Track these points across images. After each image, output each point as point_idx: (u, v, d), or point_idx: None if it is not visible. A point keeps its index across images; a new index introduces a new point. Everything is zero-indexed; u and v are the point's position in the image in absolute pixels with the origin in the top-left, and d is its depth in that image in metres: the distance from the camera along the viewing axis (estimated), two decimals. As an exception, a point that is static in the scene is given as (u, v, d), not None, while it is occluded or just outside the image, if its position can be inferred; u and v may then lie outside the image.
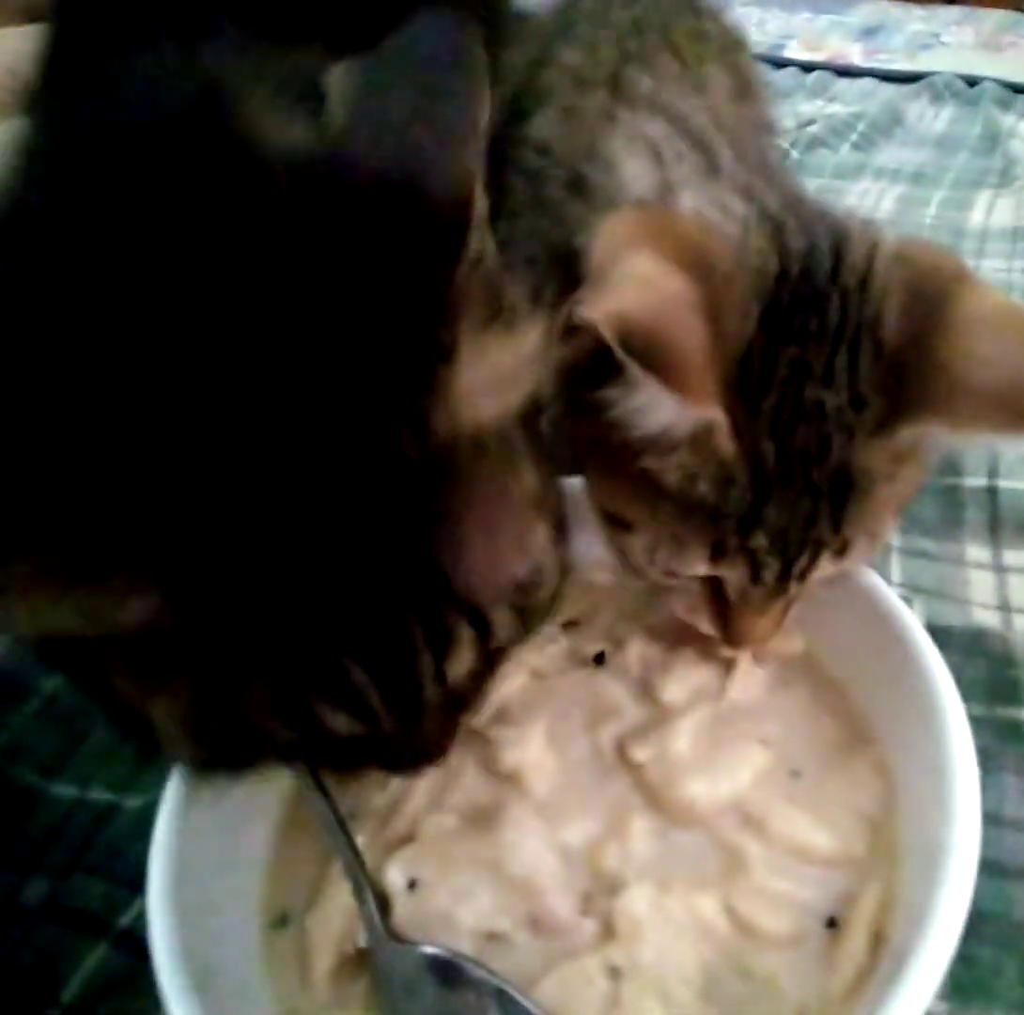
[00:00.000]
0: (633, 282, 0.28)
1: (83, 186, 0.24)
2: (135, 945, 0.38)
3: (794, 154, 0.98)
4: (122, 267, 0.23)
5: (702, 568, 0.33)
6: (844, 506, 0.32)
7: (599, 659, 0.39)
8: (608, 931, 0.30)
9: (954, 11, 1.48)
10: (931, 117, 1.10)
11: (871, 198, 0.90)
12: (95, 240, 0.24)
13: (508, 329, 0.26)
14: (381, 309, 0.24)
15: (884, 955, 0.29)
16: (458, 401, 0.24)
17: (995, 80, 1.14)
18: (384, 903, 0.31)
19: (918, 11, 1.46)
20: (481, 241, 0.25)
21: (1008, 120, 1.06)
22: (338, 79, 0.25)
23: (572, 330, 0.28)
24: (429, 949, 0.30)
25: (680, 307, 0.28)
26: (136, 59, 0.27)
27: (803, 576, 0.33)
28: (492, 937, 0.31)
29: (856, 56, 1.28)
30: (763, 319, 0.30)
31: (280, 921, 0.33)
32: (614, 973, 0.29)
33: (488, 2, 0.41)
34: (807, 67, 1.21)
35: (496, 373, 0.25)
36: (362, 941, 0.31)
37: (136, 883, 0.39)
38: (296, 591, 0.24)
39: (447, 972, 0.29)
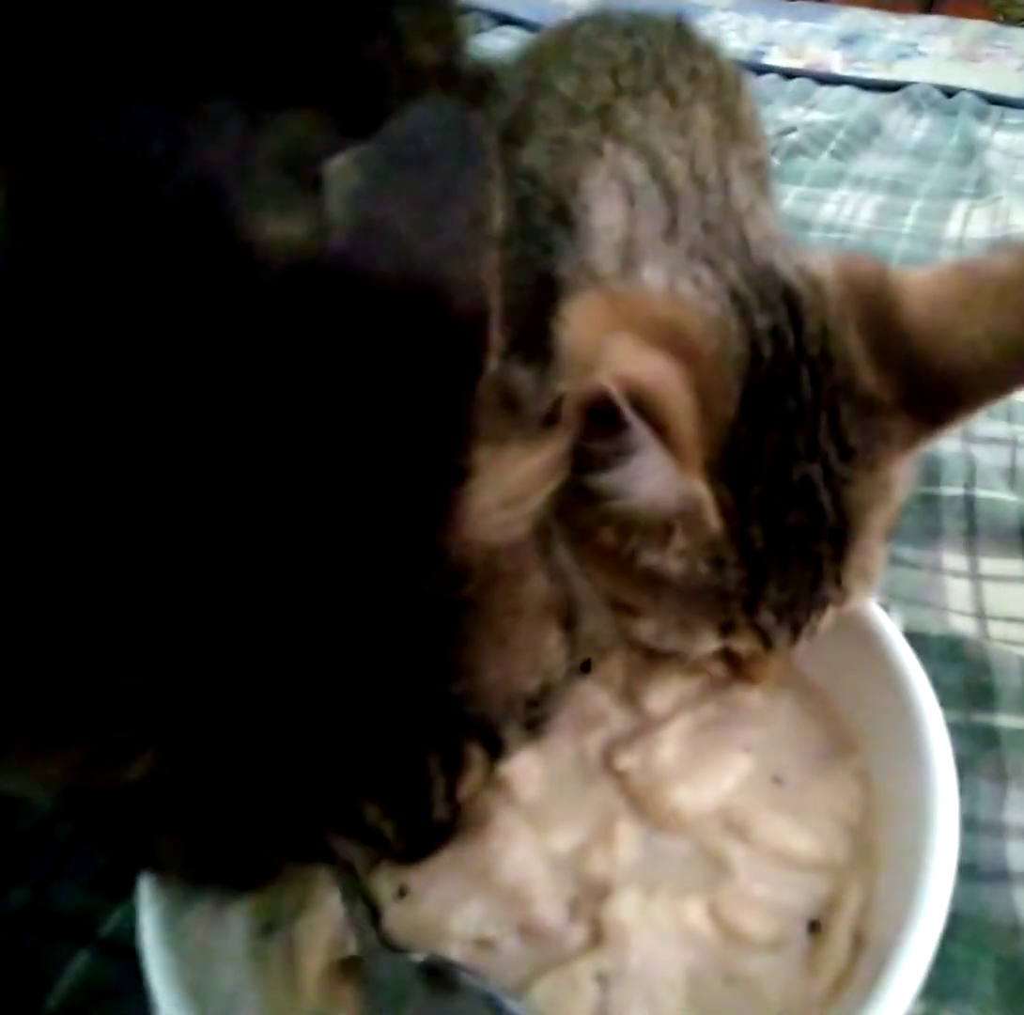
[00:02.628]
0: (626, 359, 0.27)
1: (59, 296, 0.22)
2: (119, 952, 0.38)
3: (775, 161, 0.99)
4: (109, 381, 0.21)
5: (713, 645, 0.34)
6: (843, 558, 0.32)
7: (585, 667, 0.39)
8: (596, 937, 0.31)
9: (932, 21, 1.50)
10: (909, 127, 1.11)
11: (849, 207, 0.92)
12: (79, 361, 0.21)
13: (522, 441, 0.25)
14: (393, 435, 0.22)
15: (865, 957, 0.30)
16: (473, 523, 0.23)
17: (972, 91, 1.15)
18: (374, 911, 0.32)
19: (896, 20, 1.48)
20: (498, 351, 0.24)
21: (984, 131, 1.08)
22: (338, 174, 0.23)
23: (551, 420, 0.27)
24: (420, 956, 0.30)
25: (673, 381, 0.28)
26: (120, 133, 0.24)
27: (813, 632, 0.34)
28: (482, 944, 0.31)
29: (836, 64, 1.30)
30: (743, 402, 0.30)
31: (267, 928, 0.33)
32: (602, 979, 0.30)
33: (476, 74, 0.41)
34: (788, 74, 1.22)
35: (510, 489, 0.24)
36: (352, 949, 0.31)
37: (117, 892, 0.40)
38: (310, 734, 0.23)
39: (438, 979, 0.30)
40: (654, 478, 0.29)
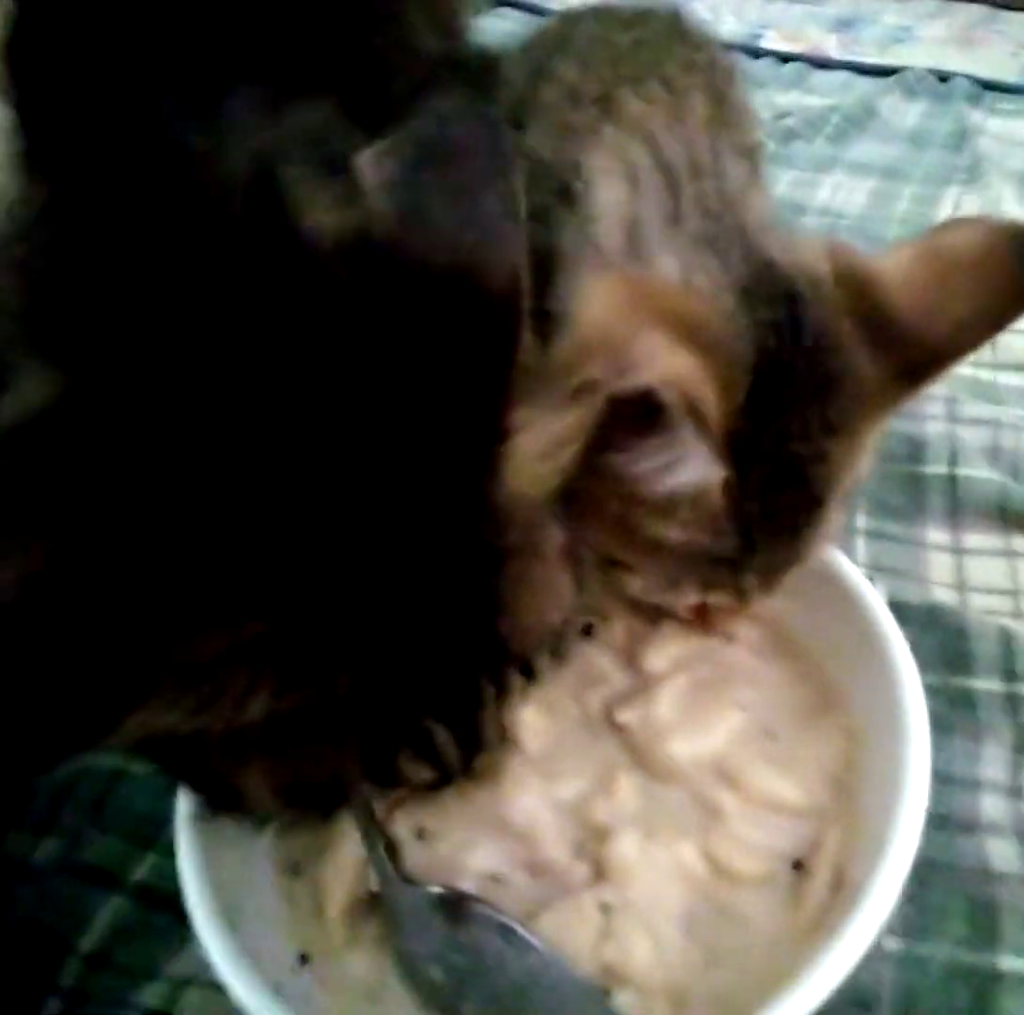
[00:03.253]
0: (662, 357, 0.29)
1: (139, 271, 0.24)
2: (149, 897, 0.40)
3: (770, 145, 1.00)
4: (188, 357, 0.23)
5: (693, 599, 0.37)
6: (818, 525, 0.35)
7: (587, 631, 0.41)
8: (599, 873, 0.33)
9: (928, 4, 1.50)
10: (903, 112, 1.12)
11: (843, 192, 0.93)
12: (155, 336, 0.23)
13: (550, 404, 0.28)
14: (447, 401, 0.25)
15: (843, 894, 0.32)
16: (515, 477, 0.26)
17: (966, 76, 1.16)
18: (393, 851, 0.34)
19: (892, 4, 1.48)
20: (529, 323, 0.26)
21: (977, 116, 1.09)
22: (369, 165, 0.25)
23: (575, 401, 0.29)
24: (436, 889, 0.33)
25: (703, 378, 0.30)
26: (172, 124, 0.26)
27: (780, 586, 0.37)
28: (494, 879, 0.33)
29: (832, 48, 1.30)
30: (749, 394, 0.32)
31: (293, 869, 0.36)
32: (605, 909, 0.32)
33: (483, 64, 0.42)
34: (784, 58, 1.23)
35: (544, 443, 0.27)
36: (373, 884, 0.34)
37: (147, 840, 0.42)
38: (386, 667, 0.26)
39: (454, 909, 0.32)
40: (691, 470, 0.31)
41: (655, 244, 0.35)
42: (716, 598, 0.36)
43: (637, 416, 0.30)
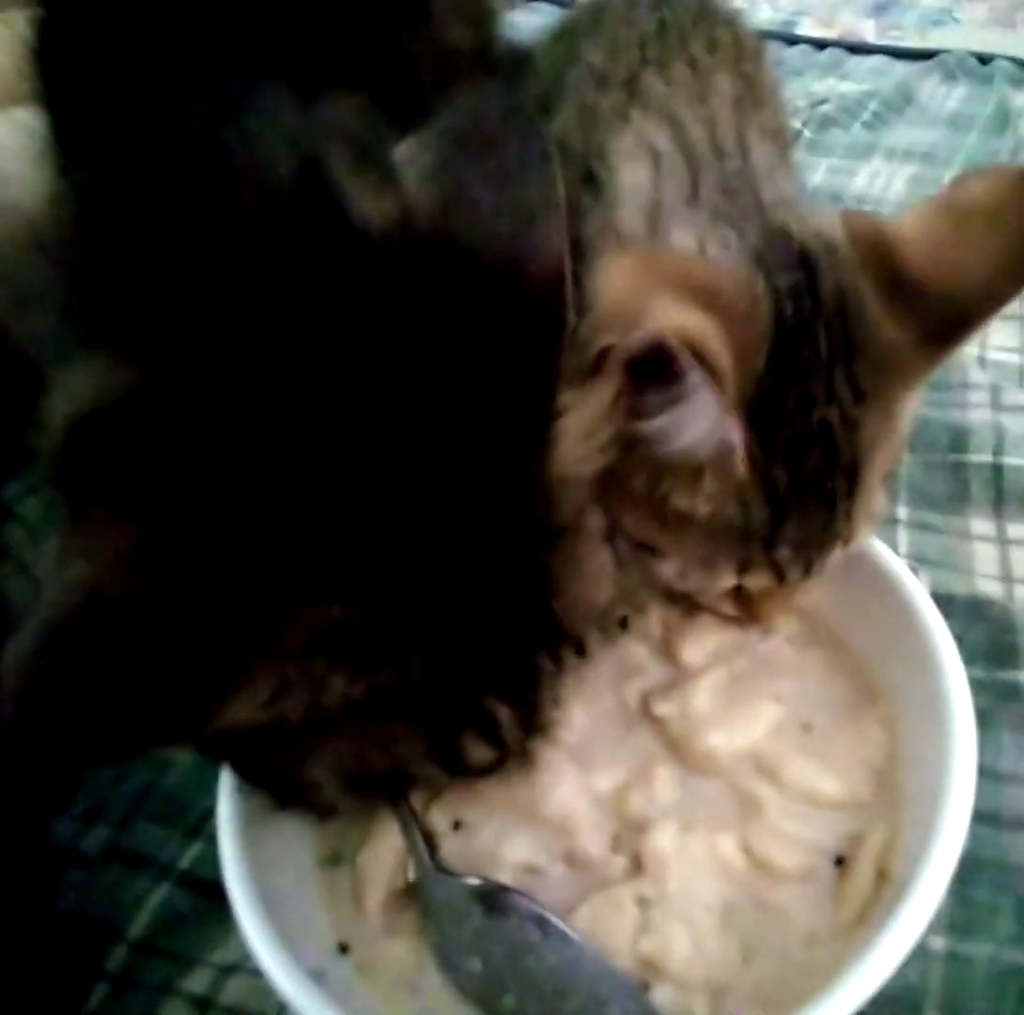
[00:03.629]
0: (671, 314, 0.29)
1: (193, 262, 0.24)
2: (196, 885, 0.41)
3: (806, 134, 0.99)
4: (256, 346, 0.24)
5: (730, 582, 0.36)
6: (854, 495, 0.34)
7: (623, 623, 0.41)
8: (636, 866, 0.33)
9: (967, -14, 1.47)
10: (943, 96, 1.10)
11: (882, 179, 0.91)
12: (211, 321, 0.24)
13: (586, 384, 0.28)
14: (500, 385, 0.26)
15: (886, 890, 0.32)
16: (563, 456, 0.27)
17: (1007, 58, 1.14)
18: (430, 842, 0.34)
19: (930, -14, 1.45)
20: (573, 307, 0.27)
21: (1020, 99, 1.06)
22: (410, 156, 0.26)
23: (594, 373, 0.29)
24: (474, 880, 0.33)
25: (715, 334, 0.30)
26: (202, 116, 0.26)
27: (822, 568, 0.36)
28: (530, 871, 0.33)
29: (869, 33, 1.28)
30: (769, 357, 0.32)
31: (333, 860, 0.36)
32: (643, 902, 0.32)
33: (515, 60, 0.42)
34: (819, 44, 1.21)
35: (587, 423, 0.28)
36: (411, 875, 0.34)
37: (194, 828, 0.43)
38: (451, 648, 0.27)
39: (491, 901, 0.32)
40: (702, 422, 0.31)
41: (673, 222, 0.35)
42: (754, 580, 0.36)
43: (649, 372, 0.29)
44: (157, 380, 0.23)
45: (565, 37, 0.46)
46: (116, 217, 0.25)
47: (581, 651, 0.31)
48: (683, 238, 0.34)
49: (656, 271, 0.32)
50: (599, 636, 0.33)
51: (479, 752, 0.30)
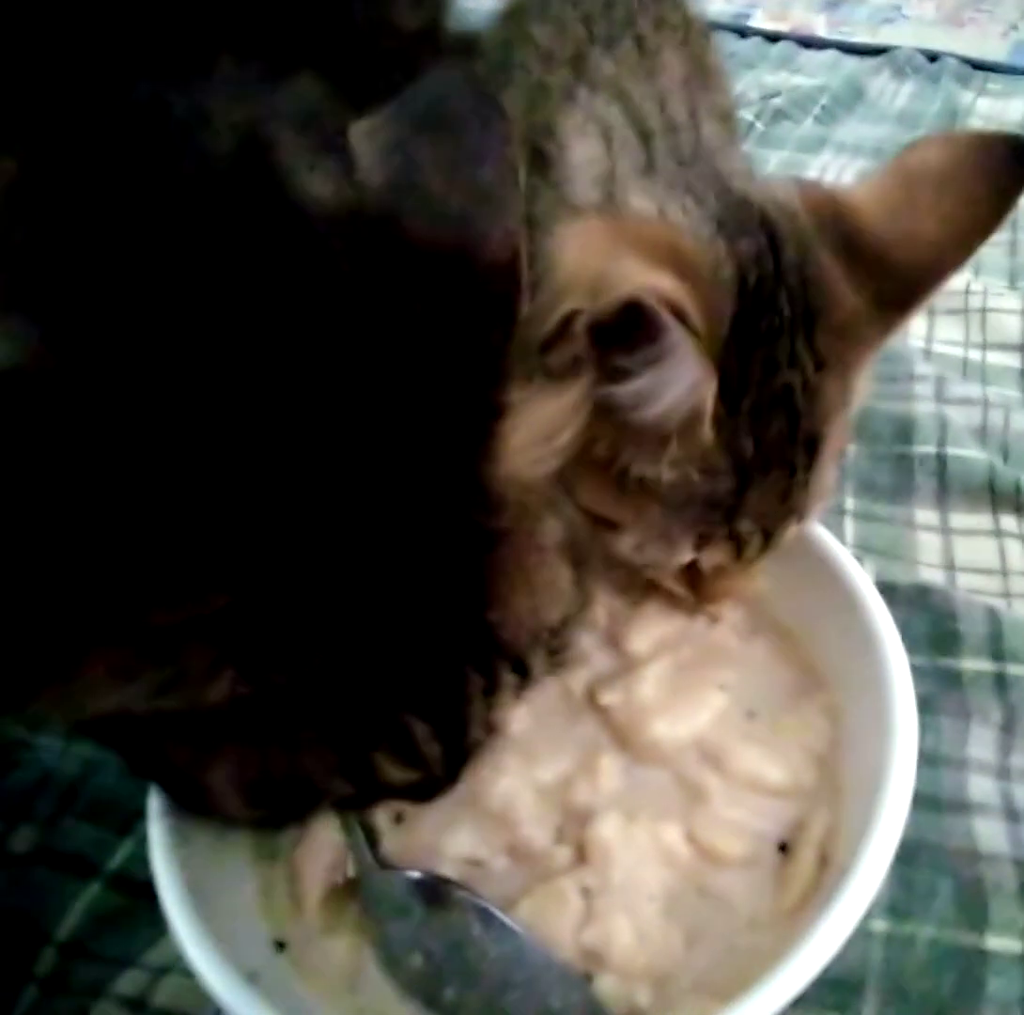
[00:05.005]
0: (639, 276, 0.29)
1: (118, 234, 0.23)
2: (127, 885, 0.40)
3: (758, 126, 1.00)
4: (171, 323, 0.22)
5: (687, 557, 0.35)
6: (813, 466, 0.34)
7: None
8: (580, 856, 0.33)
9: (917, -16, 1.49)
10: (892, 92, 1.11)
11: (832, 172, 0.92)
12: (136, 301, 0.22)
13: (548, 381, 0.27)
14: (441, 374, 0.24)
15: (828, 875, 0.32)
16: (510, 458, 0.25)
17: (955, 56, 1.16)
18: (371, 836, 0.34)
19: (882, -17, 1.47)
20: (527, 296, 0.26)
21: (967, 97, 1.08)
22: (365, 135, 0.25)
23: (557, 339, 0.29)
24: (415, 874, 0.32)
25: (684, 297, 0.29)
26: (161, 95, 0.25)
27: (777, 544, 0.36)
28: (473, 863, 0.33)
29: (820, 27, 1.29)
30: (733, 324, 0.32)
31: (269, 856, 0.35)
32: (586, 892, 0.32)
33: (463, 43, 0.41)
34: (772, 37, 1.22)
35: (542, 426, 0.26)
36: (351, 871, 0.33)
37: (125, 827, 0.42)
38: (364, 655, 0.25)
39: (433, 894, 0.32)
40: (683, 381, 0.30)
41: (630, 191, 0.35)
42: (711, 555, 0.35)
43: (621, 335, 0.29)
44: (55, 349, 0.22)
45: (513, 17, 0.45)
46: (39, 188, 0.24)
47: (522, 671, 0.29)
48: (642, 204, 0.34)
49: (619, 235, 0.31)
50: (546, 660, 0.29)
51: (395, 771, 0.28)
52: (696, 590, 0.38)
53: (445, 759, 0.28)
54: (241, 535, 0.23)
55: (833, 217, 0.34)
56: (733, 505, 0.33)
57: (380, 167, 0.24)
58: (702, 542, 0.35)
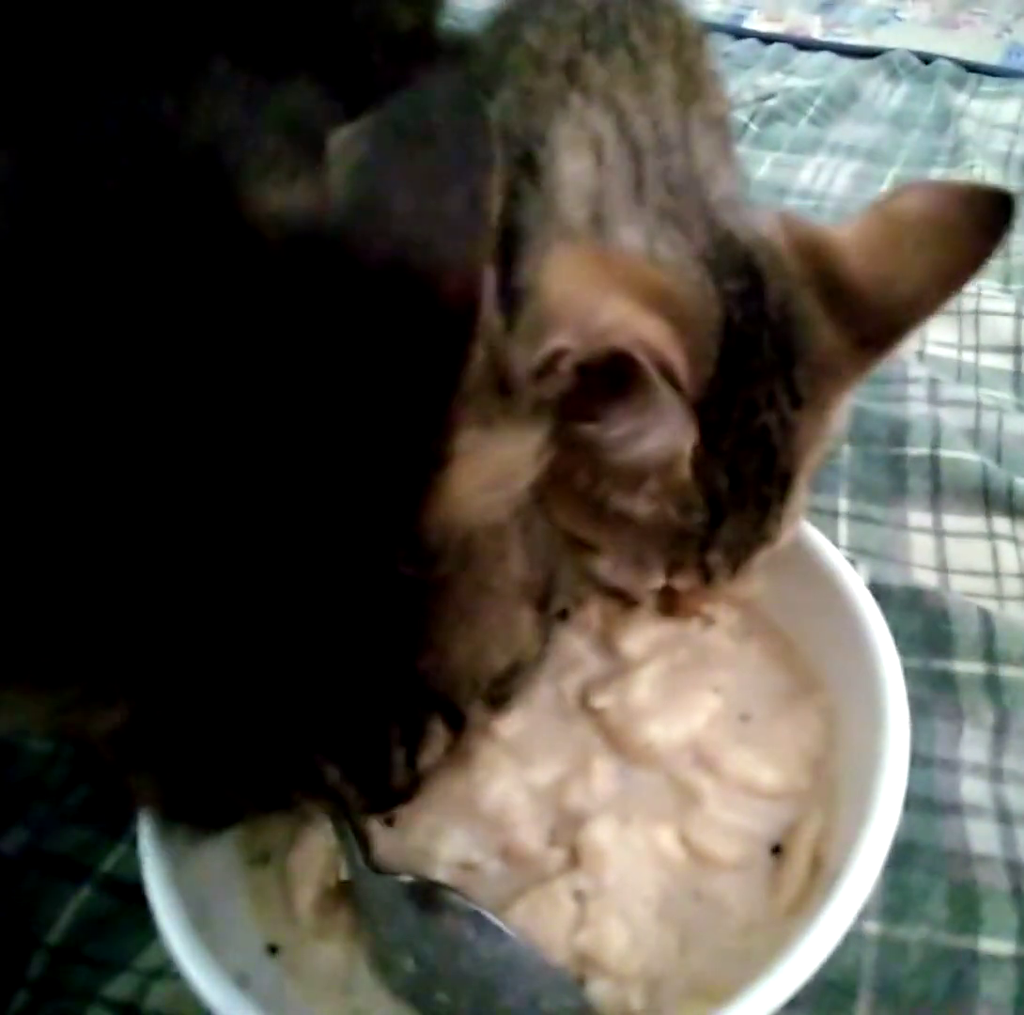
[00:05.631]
0: (629, 321, 0.28)
1: (60, 264, 0.22)
2: (119, 888, 0.40)
3: (753, 127, 1.00)
4: (106, 345, 0.21)
5: (659, 582, 0.36)
6: (786, 499, 0.35)
7: (562, 615, 0.41)
8: (573, 859, 0.33)
9: (911, -14, 1.50)
10: (886, 94, 1.12)
11: (826, 174, 0.93)
12: (77, 321, 0.21)
13: (510, 424, 0.25)
14: (378, 412, 0.22)
15: (821, 877, 0.32)
16: (452, 506, 0.23)
17: (949, 58, 1.16)
18: (363, 840, 0.33)
19: (876, -14, 1.47)
20: (487, 335, 0.23)
21: (960, 99, 1.09)
22: (344, 146, 0.23)
23: (543, 373, 0.28)
24: (407, 877, 0.32)
25: (672, 343, 0.29)
26: (123, 101, 0.24)
27: (749, 569, 0.36)
28: (466, 867, 0.33)
29: (815, 29, 1.30)
30: (718, 364, 0.32)
31: (261, 859, 0.35)
32: (579, 896, 0.32)
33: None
34: (767, 39, 1.23)
35: (494, 473, 0.24)
36: (343, 874, 0.33)
37: (115, 831, 0.41)
38: (275, 696, 0.24)
39: (425, 898, 0.32)
40: (663, 433, 0.30)
41: (619, 218, 0.34)
42: (681, 581, 0.36)
43: (607, 382, 0.29)
44: None
45: (507, 20, 0.45)
46: (23, 192, 0.23)
47: (455, 722, 0.27)
48: (631, 237, 0.34)
49: (608, 271, 0.31)
50: (485, 709, 0.28)
51: (309, 804, 0.27)
52: (669, 604, 0.39)
53: (364, 799, 0.27)
54: (133, 565, 0.21)
55: (815, 256, 0.34)
56: (706, 538, 0.34)
57: (347, 180, 0.23)
58: (674, 569, 0.35)
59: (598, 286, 0.30)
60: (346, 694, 0.24)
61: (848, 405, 0.36)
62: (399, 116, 0.24)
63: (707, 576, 0.35)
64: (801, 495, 0.36)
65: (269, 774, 0.26)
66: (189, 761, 0.25)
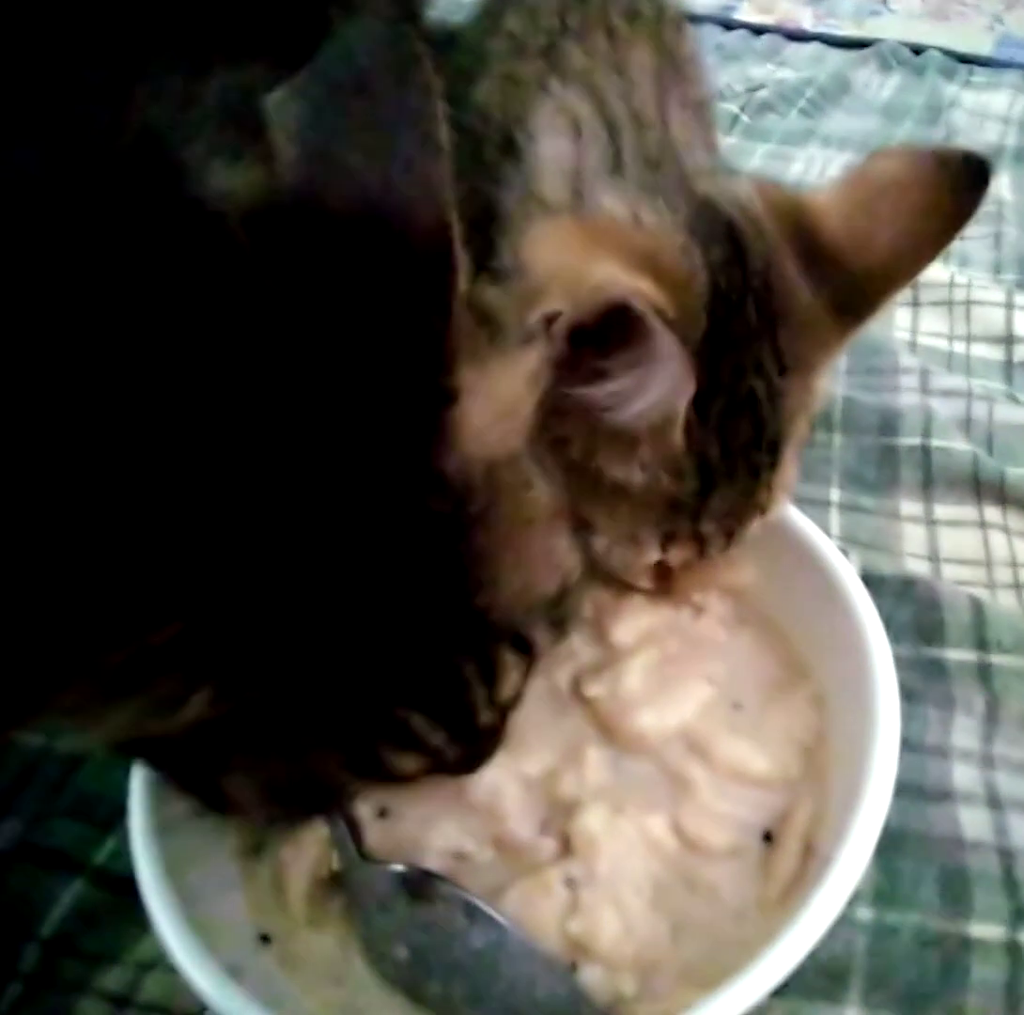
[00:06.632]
0: (619, 280, 0.28)
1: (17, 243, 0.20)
2: (111, 881, 0.40)
3: (744, 119, 1.00)
4: (93, 340, 0.21)
5: (654, 557, 0.36)
6: (776, 466, 0.35)
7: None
8: (565, 848, 0.33)
9: (902, -22, 1.50)
10: (877, 85, 1.12)
11: (817, 165, 0.92)
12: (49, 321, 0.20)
13: (502, 353, 0.25)
14: (378, 366, 0.23)
15: (812, 864, 0.32)
16: (468, 441, 0.24)
17: (940, 49, 1.16)
18: (355, 831, 0.33)
19: (867, -23, 1.47)
20: (466, 271, 0.24)
21: (951, 90, 1.09)
22: (279, 107, 0.23)
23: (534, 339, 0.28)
24: (400, 867, 0.32)
25: (665, 303, 0.29)
26: (66, 97, 0.23)
27: (741, 540, 0.36)
28: (458, 856, 0.33)
29: (806, 20, 1.29)
30: (706, 329, 0.32)
31: (254, 851, 0.35)
32: (572, 883, 0.32)
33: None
34: (757, 30, 1.22)
35: (499, 403, 0.25)
36: (335, 864, 0.33)
37: (108, 823, 0.41)
38: (350, 656, 0.24)
39: (417, 888, 0.32)
40: (662, 385, 0.30)
41: (599, 191, 0.34)
42: (676, 554, 0.36)
43: (604, 337, 0.28)
44: None
45: (490, 9, 0.45)
46: None
47: (524, 648, 0.28)
48: (614, 206, 0.34)
49: (596, 237, 0.31)
50: (550, 631, 0.29)
51: (404, 761, 0.27)
52: (664, 583, 0.39)
53: (455, 746, 0.28)
54: (192, 556, 0.21)
55: (793, 220, 0.34)
56: (698, 507, 0.34)
57: (293, 145, 0.22)
58: (667, 542, 0.35)
59: (585, 252, 0.29)
60: (417, 644, 0.25)
61: (831, 374, 0.37)
62: (329, 69, 0.23)
63: (701, 547, 0.35)
64: (790, 467, 0.36)
65: (360, 738, 0.26)
66: (279, 741, 0.25)
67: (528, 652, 0.28)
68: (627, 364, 0.30)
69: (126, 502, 0.21)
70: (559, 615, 0.29)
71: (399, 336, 0.23)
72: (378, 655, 0.25)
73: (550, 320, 0.29)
